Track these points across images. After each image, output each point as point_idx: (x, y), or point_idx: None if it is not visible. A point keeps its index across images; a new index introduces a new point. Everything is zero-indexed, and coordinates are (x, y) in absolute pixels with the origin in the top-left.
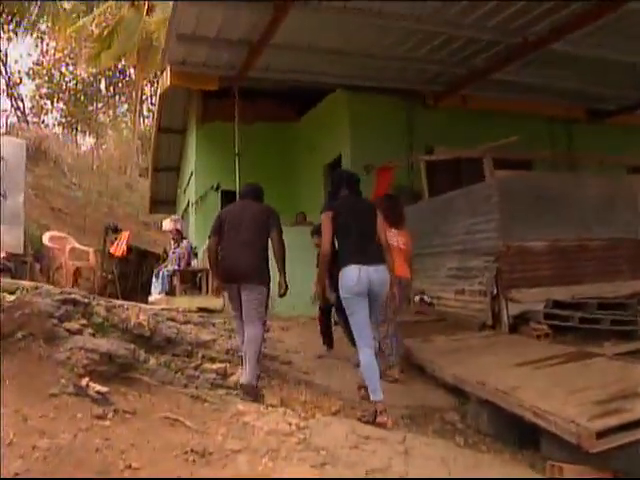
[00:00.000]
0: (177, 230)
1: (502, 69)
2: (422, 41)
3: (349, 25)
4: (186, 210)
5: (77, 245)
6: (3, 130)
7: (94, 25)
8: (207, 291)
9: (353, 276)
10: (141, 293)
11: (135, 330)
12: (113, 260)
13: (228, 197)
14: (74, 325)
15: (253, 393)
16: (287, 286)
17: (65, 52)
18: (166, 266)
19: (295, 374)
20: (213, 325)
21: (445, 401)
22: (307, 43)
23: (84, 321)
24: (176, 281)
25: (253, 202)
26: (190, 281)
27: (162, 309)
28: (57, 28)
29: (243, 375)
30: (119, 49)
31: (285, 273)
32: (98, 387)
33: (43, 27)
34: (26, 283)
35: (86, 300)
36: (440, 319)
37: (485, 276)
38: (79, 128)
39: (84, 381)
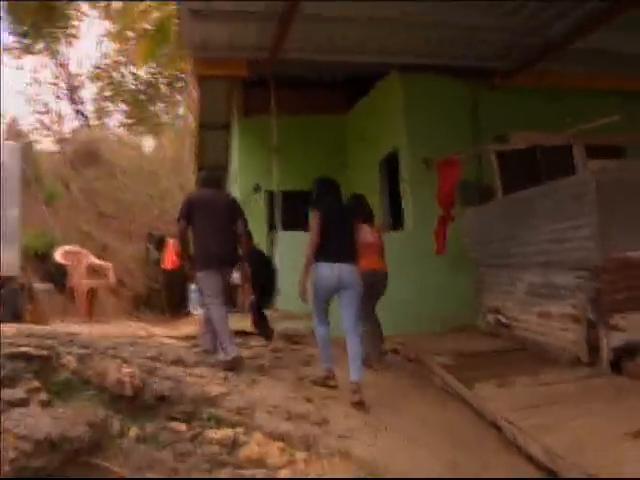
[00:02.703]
0: None
1: (586, 36)
2: (488, 6)
3: None
4: None
5: (95, 260)
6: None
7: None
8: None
9: (326, 272)
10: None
11: (114, 388)
12: (159, 268)
13: (274, 199)
14: (17, 392)
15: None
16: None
17: (124, 53)
18: None
19: None
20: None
21: None
22: (350, 13)
23: (37, 383)
24: None
25: (218, 190)
26: (229, 296)
27: (179, 338)
28: (114, 29)
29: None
30: (171, 46)
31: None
32: None
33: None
34: None
35: (45, 352)
36: (519, 348)
37: (578, 297)
38: (140, 129)
39: None
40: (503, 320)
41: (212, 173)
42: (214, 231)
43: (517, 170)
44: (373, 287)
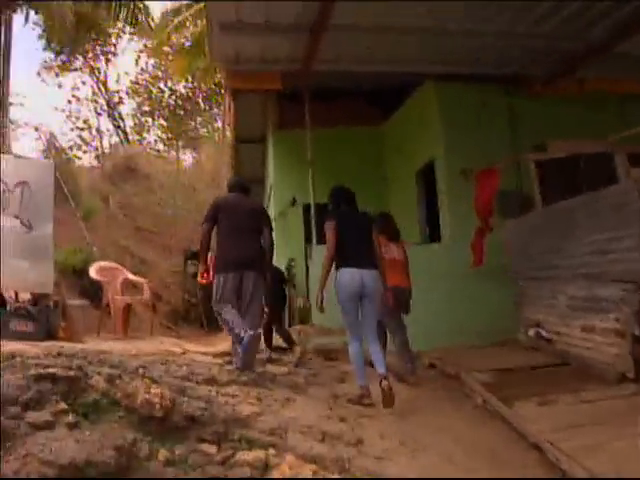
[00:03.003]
0: None
1: (628, 39)
2: (524, 10)
3: None
4: None
5: (130, 276)
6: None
7: (179, 36)
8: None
9: (346, 278)
10: None
11: (143, 410)
12: (197, 283)
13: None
14: (43, 415)
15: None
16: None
17: (161, 68)
18: None
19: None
20: (271, 382)
21: None
22: (383, 21)
23: (63, 405)
24: None
25: (246, 196)
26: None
27: (214, 354)
28: (151, 44)
29: (239, 362)
30: (207, 60)
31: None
32: None
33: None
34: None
35: (73, 373)
36: (561, 363)
37: (622, 310)
38: (179, 144)
39: None
40: (544, 334)
41: (240, 179)
42: (236, 235)
43: (557, 180)
44: (398, 303)
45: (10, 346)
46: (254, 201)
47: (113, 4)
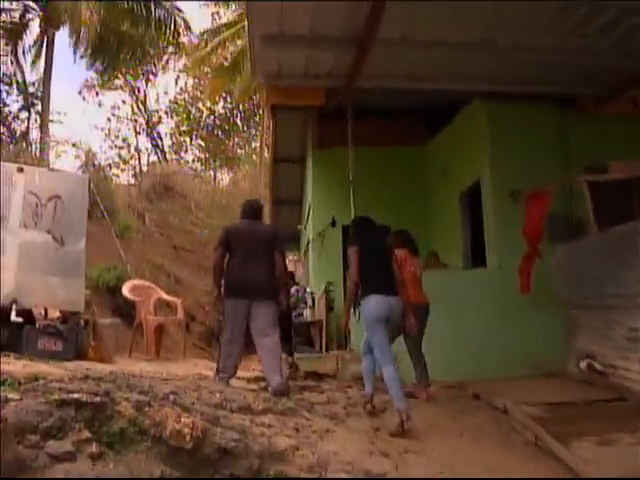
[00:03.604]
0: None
1: None
2: (576, 26)
3: (485, 10)
4: (307, 249)
5: (164, 296)
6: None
7: (218, 55)
8: (320, 348)
9: (376, 304)
10: None
11: (172, 440)
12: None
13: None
14: (65, 445)
15: (287, 392)
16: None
17: (200, 88)
18: None
19: None
20: (308, 411)
21: None
22: (429, 36)
23: (87, 433)
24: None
25: (258, 221)
26: (303, 334)
27: (248, 379)
28: (190, 64)
29: (274, 382)
30: (246, 80)
31: (283, 291)
32: None
33: (180, 65)
34: (21, 369)
35: (98, 399)
36: (618, 398)
37: None
38: (216, 163)
39: None
40: (598, 367)
41: (252, 202)
42: (246, 261)
43: (612, 203)
44: (420, 319)
45: (35, 367)
46: (265, 226)
47: (153, 23)
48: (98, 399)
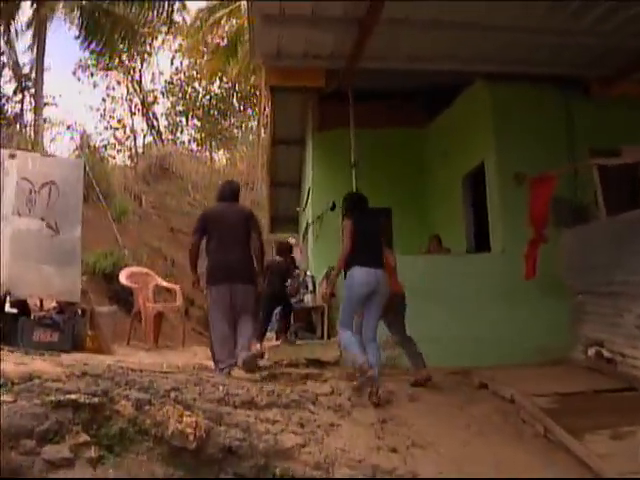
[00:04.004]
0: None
1: None
2: (584, 7)
3: None
4: (305, 232)
5: (162, 282)
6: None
7: (214, 35)
8: (322, 334)
9: (361, 275)
10: None
11: (175, 441)
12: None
13: None
14: (62, 450)
15: (253, 366)
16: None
17: (196, 68)
18: None
19: None
20: (313, 404)
21: None
22: (433, 16)
23: (86, 436)
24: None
25: (234, 204)
26: (304, 320)
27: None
28: (185, 43)
29: (240, 357)
30: (242, 60)
31: (262, 268)
32: None
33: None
34: (15, 368)
35: (96, 400)
36: (628, 387)
37: None
38: (213, 144)
39: None
40: (607, 355)
41: (229, 185)
42: (225, 246)
43: (619, 188)
44: (395, 309)
45: (29, 365)
46: (241, 208)
47: (146, 4)
48: (96, 399)
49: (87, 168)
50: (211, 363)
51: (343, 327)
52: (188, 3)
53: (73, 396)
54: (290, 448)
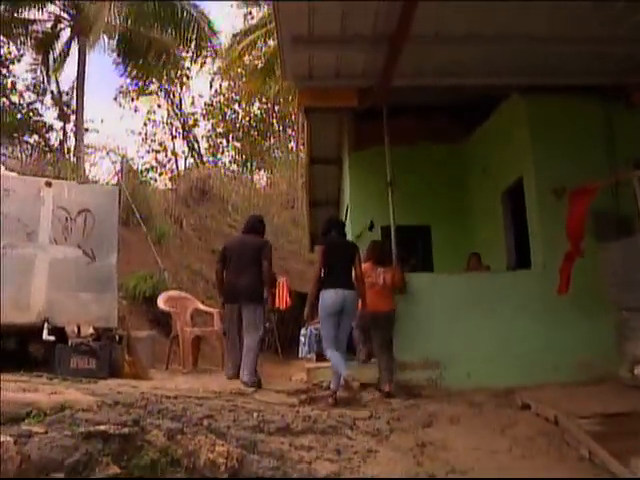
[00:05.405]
0: None
1: None
2: (621, 13)
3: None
4: None
5: (200, 306)
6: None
7: (251, 57)
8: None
9: (329, 297)
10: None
11: (207, 471)
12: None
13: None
14: None
15: (255, 385)
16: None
17: (235, 90)
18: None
19: None
20: (350, 429)
21: None
22: (464, 30)
23: (116, 468)
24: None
25: (252, 236)
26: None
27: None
28: (223, 66)
29: (244, 377)
30: (280, 81)
31: (270, 292)
32: None
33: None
34: (48, 397)
35: (127, 430)
36: None
37: None
38: (253, 165)
39: None
40: None
41: (251, 219)
42: (238, 271)
43: None
44: (380, 327)
45: (64, 395)
46: (257, 239)
47: (182, 27)
48: (126, 430)
49: (127, 193)
50: (248, 389)
51: (327, 346)
52: (224, 26)
53: (102, 427)
54: (324, 478)
